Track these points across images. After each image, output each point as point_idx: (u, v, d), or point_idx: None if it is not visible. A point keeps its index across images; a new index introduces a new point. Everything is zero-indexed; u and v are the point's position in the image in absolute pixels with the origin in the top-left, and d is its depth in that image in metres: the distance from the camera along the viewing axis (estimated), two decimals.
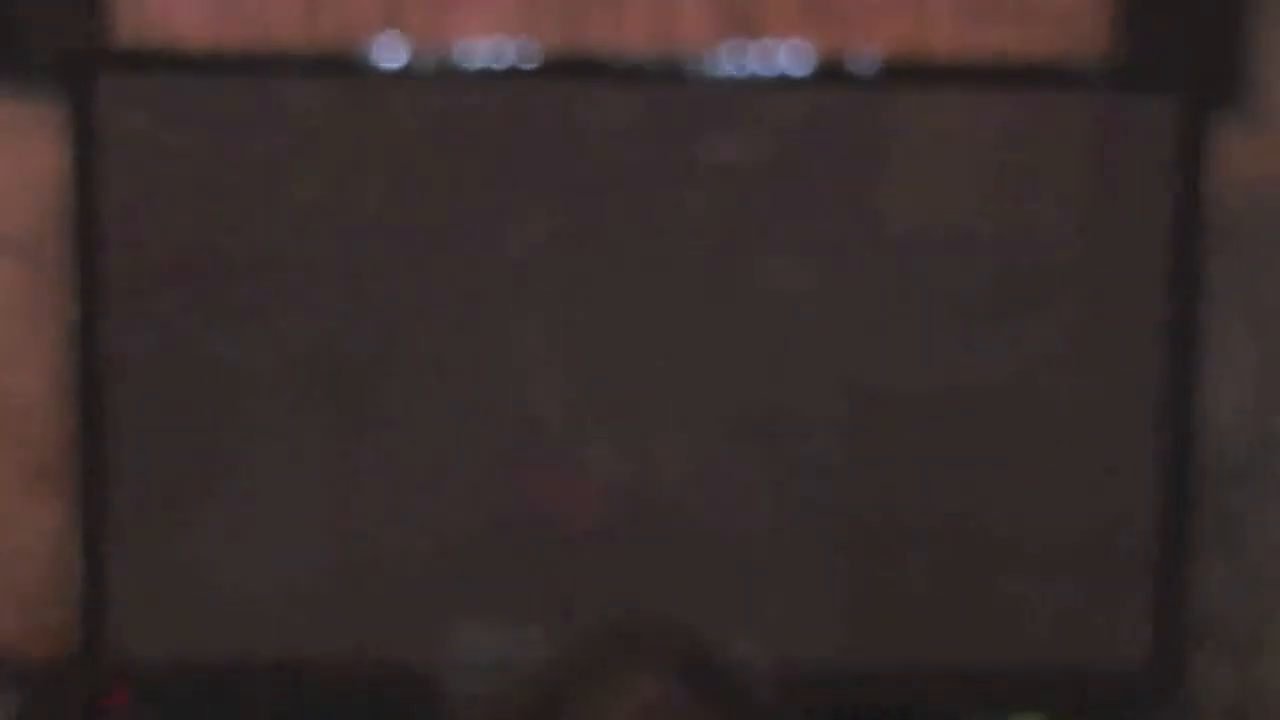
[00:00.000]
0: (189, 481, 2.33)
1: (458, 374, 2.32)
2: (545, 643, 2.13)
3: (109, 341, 2.29)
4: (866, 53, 2.34)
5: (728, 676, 1.31)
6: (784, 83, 2.30)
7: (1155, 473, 2.32)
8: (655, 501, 2.34)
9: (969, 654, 2.33)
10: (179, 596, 2.33)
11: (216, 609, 2.33)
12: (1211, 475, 2.44)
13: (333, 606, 2.34)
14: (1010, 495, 2.34)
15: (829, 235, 2.34)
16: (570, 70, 2.32)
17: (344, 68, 2.31)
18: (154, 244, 2.29)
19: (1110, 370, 2.34)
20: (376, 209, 2.31)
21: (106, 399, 2.30)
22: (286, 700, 2.35)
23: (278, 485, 2.33)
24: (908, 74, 2.33)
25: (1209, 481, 2.43)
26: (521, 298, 2.31)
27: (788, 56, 2.30)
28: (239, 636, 2.33)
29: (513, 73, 2.29)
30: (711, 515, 2.34)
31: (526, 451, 2.33)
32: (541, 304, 2.32)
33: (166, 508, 2.32)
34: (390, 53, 2.30)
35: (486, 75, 2.29)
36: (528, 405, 2.32)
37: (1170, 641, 2.32)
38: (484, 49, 2.30)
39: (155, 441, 2.32)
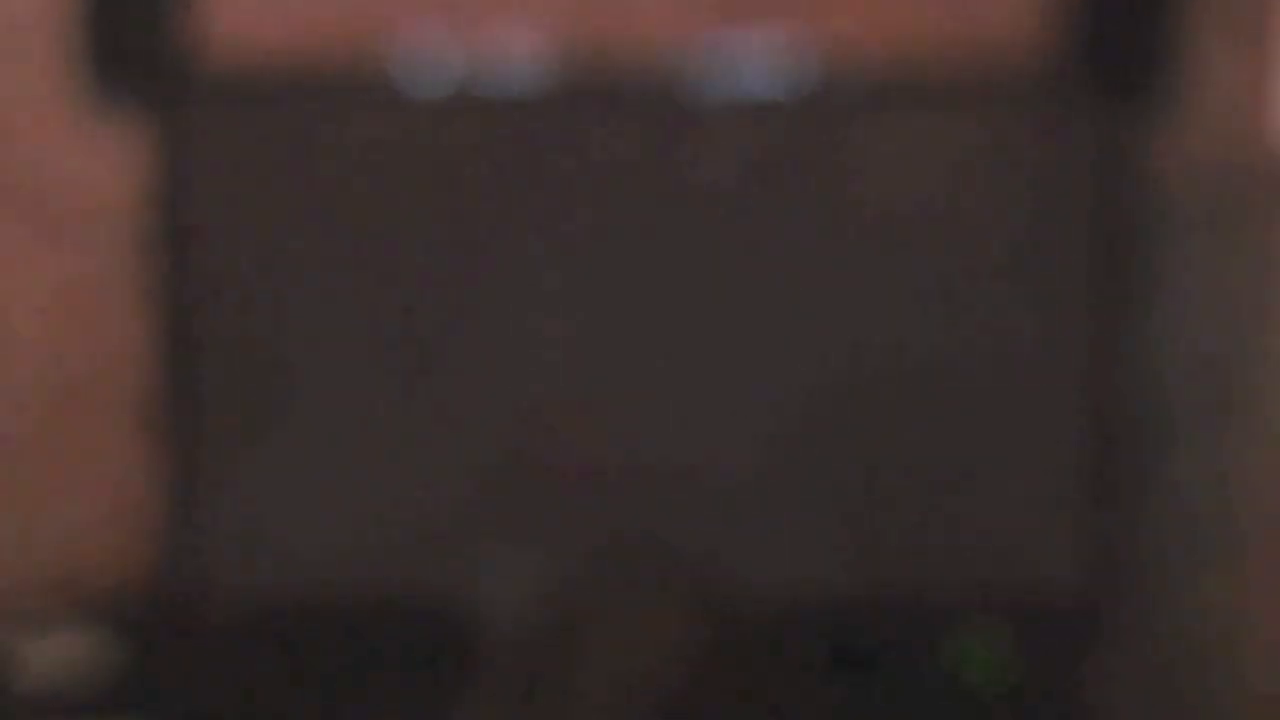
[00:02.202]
0: (267, 440, 2.46)
1: (492, 348, 2.46)
2: (564, 572, 2.22)
3: (197, 322, 2.43)
4: (833, 60, 2.46)
5: (722, 597, 1.43)
6: (766, 101, 2.42)
7: (1097, 429, 2.46)
8: (659, 449, 2.47)
9: (928, 584, 2.47)
10: (261, 537, 2.47)
11: (293, 548, 2.47)
12: (1147, 431, 2.60)
13: (394, 549, 2.48)
14: (973, 447, 2.47)
15: (806, 233, 2.45)
16: (585, 94, 2.45)
17: (394, 92, 2.44)
18: (234, 240, 2.44)
19: (1056, 338, 2.46)
20: (423, 214, 2.45)
21: (195, 372, 2.44)
22: (355, 626, 2.49)
23: (343, 441, 2.47)
24: (873, 88, 2.45)
25: (1145, 436, 2.60)
26: (546, 281, 2.45)
27: (768, 64, 2.44)
28: (313, 571, 2.47)
29: (538, 98, 2.44)
30: (713, 460, 2.47)
31: (551, 404, 2.48)
32: (563, 282, 2.46)
33: (248, 461, 2.46)
34: (434, 71, 2.44)
35: (516, 101, 2.43)
36: (553, 369, 2.47)
37: (1108, 572, 2.48)
38: (512, 66, 2.45)
39: (237, 408, 2.46)
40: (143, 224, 2.54)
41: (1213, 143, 2.61)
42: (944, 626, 2.48)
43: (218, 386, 2.46)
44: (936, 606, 2.49)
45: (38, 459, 2.69)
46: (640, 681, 1.24)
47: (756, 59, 2.49)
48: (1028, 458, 2.49)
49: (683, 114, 2.46)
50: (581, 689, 1.26)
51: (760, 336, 2.48)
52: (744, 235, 2.47)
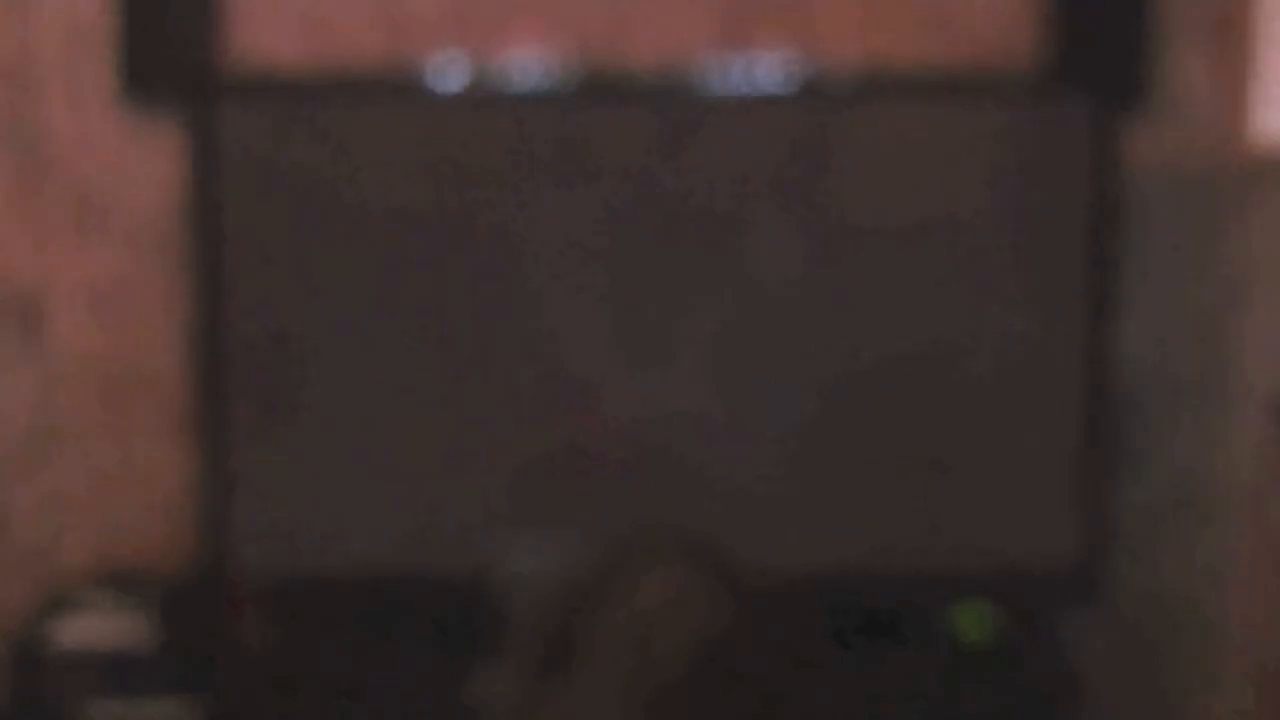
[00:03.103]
0: (295, 428, 2.53)
1: (512, 339, 2.52)
2: (583, 550, 2.27)
3: (227, 316, 2.49)
4: (834, 65, 2.55)
5: (736, 572, 1.41)
6: (768, 99, 2.50)
7: (1081, 409, 2.53)
8: (673, 435, 2.55)
9: (928, 556, 2.55)
10: (289, 519, 2.54)
11: (320, 529, 2.54)
12: (1127, 410, 2.68)
13: (415, 527, 2.55)
14: (966, 427, 2.55)
15: (806, 218, 2.52)
16: (597, 91, 2.53)
17: (413, 91, 2.51)
18: (262, 233, 2.50)
19: (1042, 324, 2.53)
20: (443, 203, 2.50)
21: (226, 363, 2.50)
22: (378, 604, 2.57)
23: (369, 433, 2.53)
24: (870, 88, 2.53)
25: (1126, 414, 2.68)
26: (563, 276, 2.52)
27: (769, 68, 2.51)
28: (337, 550, 2.54)
29: (551, 94, 2.50)
30: (717, 448, 2.55)
31: (569, 395, 2.55)
32: (580, 281, 2.52)
33: (276, 449, 2.53)
34: (451, 73, 2.50)
35: (530, 98, 2.50)
36: (569, 359, 2.54)
37: (1093, 544, 2.56)
38: (527, 69, 2.52)
39: (267, 397, 2.52)
40: (177, 224, 2.61)
41: (1191, 142, 2.68)
42: (945, 595, 2.56)
43: (247, 380, 2.52)
44: (939, 578, 2.57)
45: (78, 449, 2.73)
46: (660, 652, 1.27)
47: (758, 64, 2.56)
48: (1024, 441, 2.55)
49: (688, 111, 2.51)
50: (602, 659, 1.29)
51: (771, 328, 2.54)
52: (750, 232, 2.52)
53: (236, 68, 2.62)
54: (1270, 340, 2.72)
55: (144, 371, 2.70)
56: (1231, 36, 2.65)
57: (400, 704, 2.48)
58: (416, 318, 2.53)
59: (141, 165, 2.65)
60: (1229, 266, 2.72)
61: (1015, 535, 2.56)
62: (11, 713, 2.53)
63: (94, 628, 2.53)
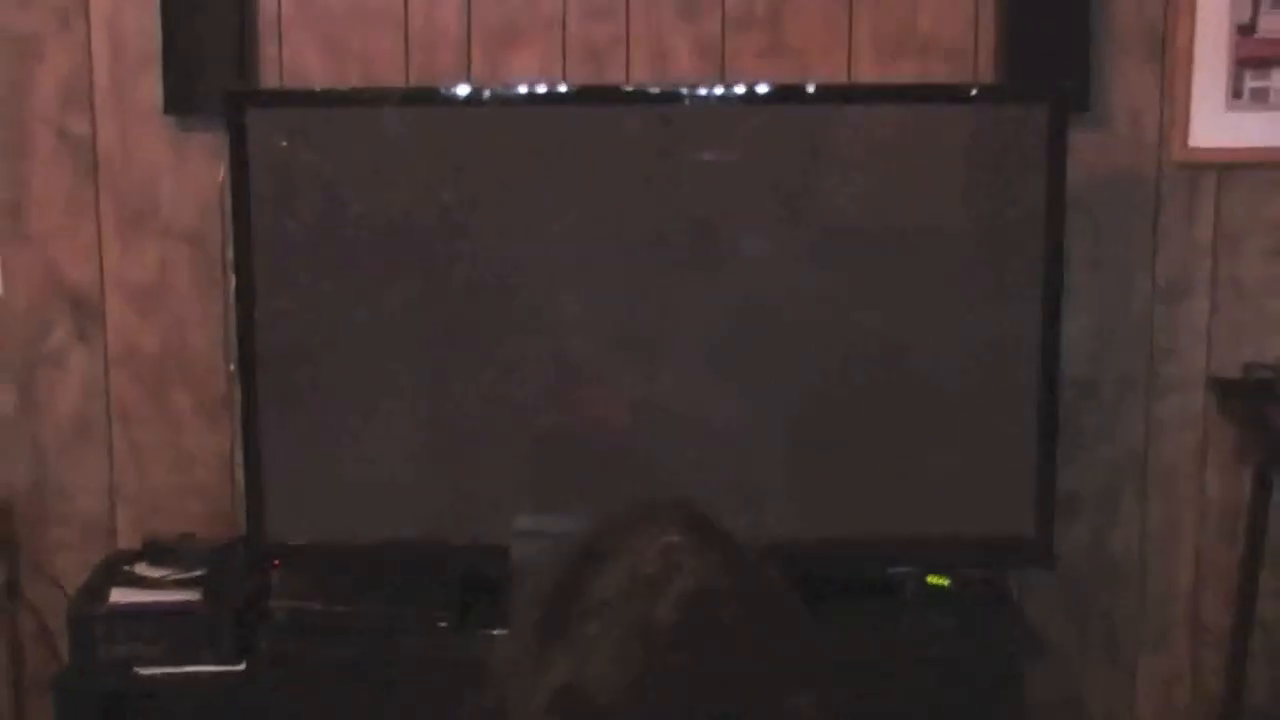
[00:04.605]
0: (321, 410, 2.62)
1: (519, 329, 2.61)
2: (584, 519, 2.12)
3: (259, 306, 2.57)
4: (813, 80, 2.67)
5: (729, 534, 1.42)
6: (750, 100, 2.57)
7: (1033, 390, 2.60)
8: (669, 421, 2.64)
9: (892, 527, 2.65)
10: (317, 493, 2.63)
11: (345, 502, 2.63)
12: (1075, 391, 2.81)
13: (430, 500, 2.64)
14: (935, 412, 2.64)
15: (785, 213, 2.62)
16: (592, 96, 2.63)
17: (426, 104, 2.61)
18: (290, 233, 2.58)
19: (999, 313, 2.62)
20: (455, 203, 2.59)
21: (258, 349, 2.59)
22: (397, 569, 2.65)
23: (390, 413, 2.63)
24: (846, 100, 2.65)
25: (1073, 396, 2.81)
26: (563, 270, 2.60)
27: (752, 83, 2.60)
28: (361, 522, 2.62)
29: (553, 100, 2.59)
30: (709, 433, 2.64)
31: (570, 381, 2.64)
32: (579, 275, 2.60)
33: (306, 429, 2.62)
34: (461, 88, 2.60)
35: (532, 100, 2.58)
36: (570, 348, 2.64)
37: (1045, 515, 2.65)
38: (531, 81, 2.63)
39: (295, 380, 2.62)
40: (214, 227, 2.74)
41: (1134, 146, 2.80)
42: (917, 562, 2.67)
43: (278, 367, 2.61)
44: (912, 545, 2.67)
45: (127, 430, 2.88)
46: (657, 614, 1.23)
47: (742, 80, 2.68)
48: (986, 421, 2.64)
49: (680, 118, 2.59)
50: (601, 620, 1.33)
51: (758, 325, 2.61)
52: (737, 231, 2.61)
53: (268, 84, 2.76)
54: (1208, 328, 2.85)
55: (185, 359, 2.84)
56: (1169, 51, 2.79)
57: (414, 662, 2.57)
58: (431, 311, 2.62)
59: (183, 174, 2.80)
60: (1169, 261, 2.85)
61: (980, 507, 2.66)
62: (69, 672, 2.63)
63: (143, 593, 2.61)
